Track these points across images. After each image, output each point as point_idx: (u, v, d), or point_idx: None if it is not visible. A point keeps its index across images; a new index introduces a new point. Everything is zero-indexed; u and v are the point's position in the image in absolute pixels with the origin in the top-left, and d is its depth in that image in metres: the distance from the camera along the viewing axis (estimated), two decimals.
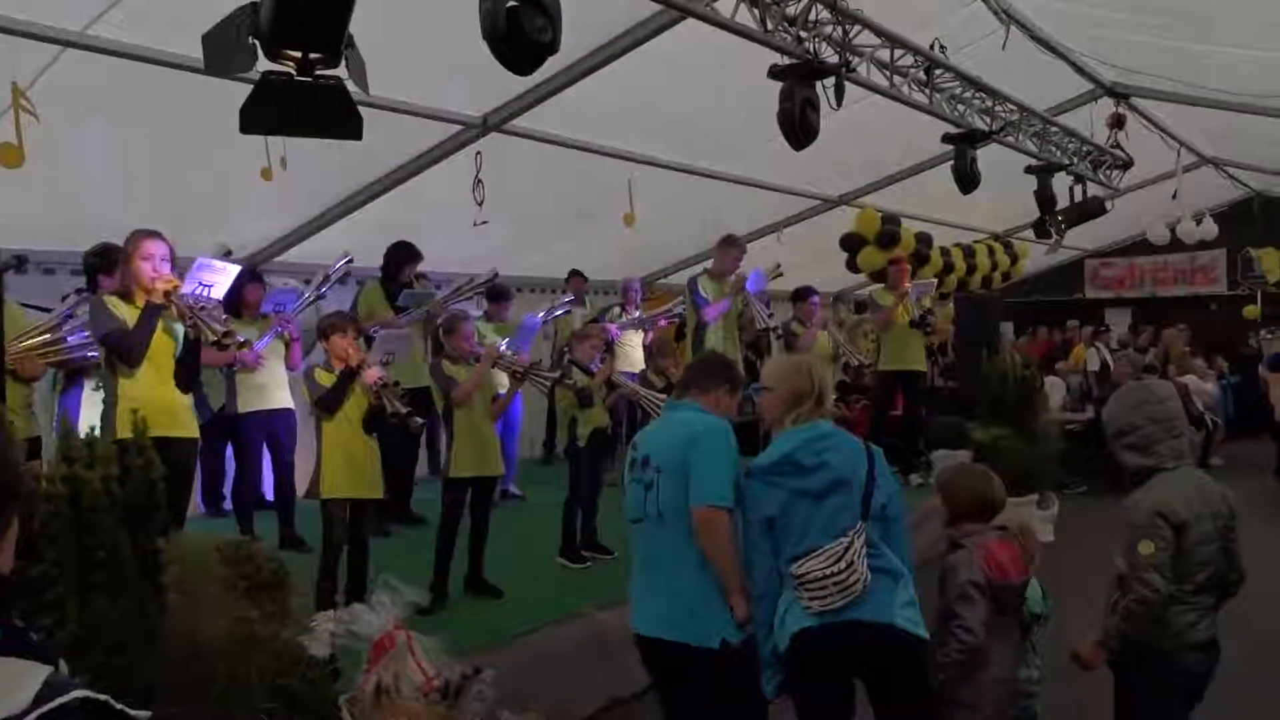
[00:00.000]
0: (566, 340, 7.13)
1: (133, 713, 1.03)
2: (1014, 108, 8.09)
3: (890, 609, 3.01)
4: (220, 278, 4.73)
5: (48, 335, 4.72)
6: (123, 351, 4.35)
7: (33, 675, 1.00)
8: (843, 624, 2.99)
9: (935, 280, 10.65)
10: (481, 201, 7.06)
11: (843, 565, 2.95)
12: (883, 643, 3.01)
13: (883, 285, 9.46)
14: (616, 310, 9.43)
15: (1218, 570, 3.30)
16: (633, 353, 9.07)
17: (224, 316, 4.63)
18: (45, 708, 0.97)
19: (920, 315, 8.97)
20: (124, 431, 3.75)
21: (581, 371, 6.35)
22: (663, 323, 9.51)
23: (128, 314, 4.39)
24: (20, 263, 4.23)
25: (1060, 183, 9.49)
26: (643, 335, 9.25)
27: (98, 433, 3.29)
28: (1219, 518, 3.33)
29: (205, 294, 4.61)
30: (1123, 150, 9.95)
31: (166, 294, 4.37)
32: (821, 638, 3.02)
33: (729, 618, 3.19)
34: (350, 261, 6.72)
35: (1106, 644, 3.33)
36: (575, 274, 9.60)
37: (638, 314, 9.27)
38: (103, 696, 1.01)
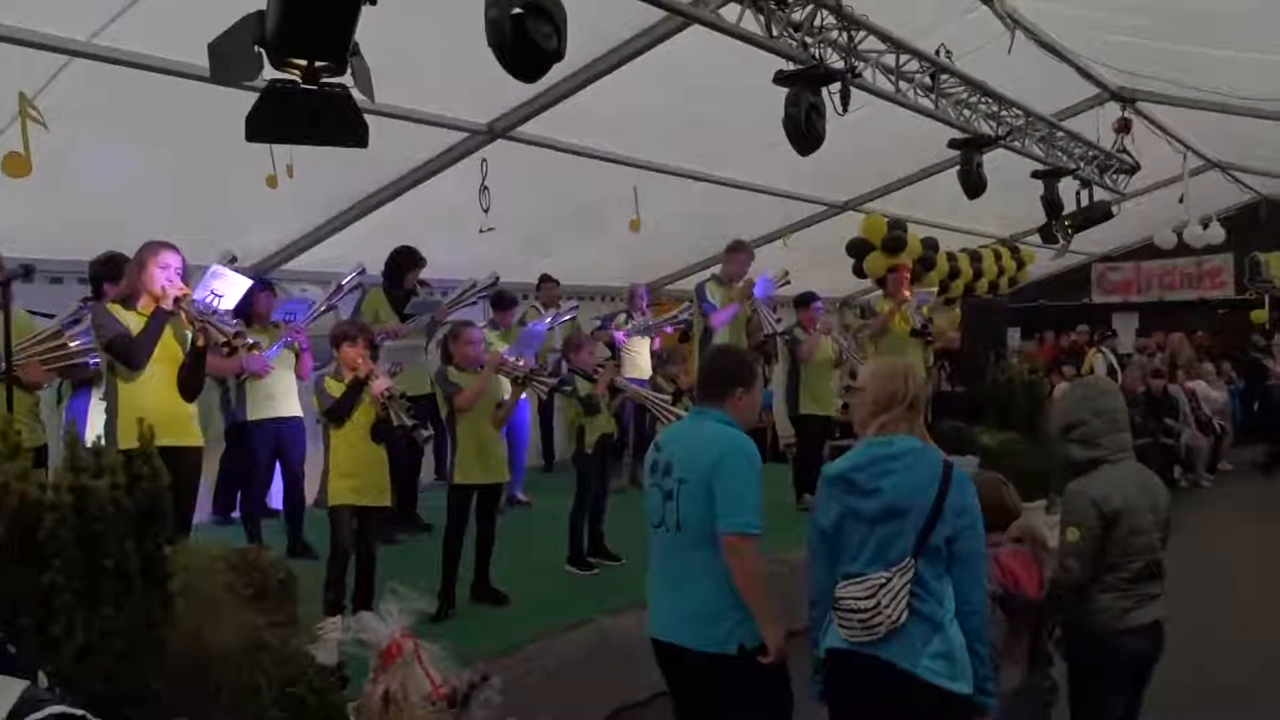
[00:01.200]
0: (561, 350, 7.10)
1: None
2: (1020, 112, 8.09)
3: (916, 656, 2.86)
4: (232, 289, 4.73)
5: (49, 342, 4.70)
6: (127, 356, 4.35)
7: (9, 691, 0.99)
8: (868, 658, 2.91)
9: (935, 289, 10.60)
10: (487, 208, 7.07)
11: (870, 604, 2.84)
12: (901, 688, 2.88)
13: (882, 293, 9.41)
14: (623, 317, 9.42)
15: (1154, 560, 3.47)
16: (639, 358, 9.05)
17: (235, 321, 4.62)
18: None
19: (921, 324, 8.90)
20: (128, 440, 3.73)
21: (584, 378, 6.34)
22: (668, 329, 9.48)
23: (132, 321, 4.40)
24: (27, 272, 4.25)
25: (1067, 187, 9.47)
26: (649, 342, 9.23)
27: (103, 441, 3.28)
28: (1157, 510, 3.52)
29: (215, 304, 4.61)
30: (1129, 154, 9.95)
31: (177, 301, 4.37)
32: (848, 664, 2.97)
33: (746, 623, 3.15)
34: (363, 273, 6.74)
35: None
36: (546, 279, 9.35)
37: (645, 320, 9.25)
38: (79, 711, 0.99)
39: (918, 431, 3.07)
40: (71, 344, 4.77)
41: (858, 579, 2.90)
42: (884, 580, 2.84)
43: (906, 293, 8.94)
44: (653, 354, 9.14)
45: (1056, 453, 3.82)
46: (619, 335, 9.02)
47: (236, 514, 6.97)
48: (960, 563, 2.92)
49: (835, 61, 5.73)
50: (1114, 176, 10.25)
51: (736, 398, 3.37)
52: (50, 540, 2.81)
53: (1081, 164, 9.50)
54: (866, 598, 2.85)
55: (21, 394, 4.48)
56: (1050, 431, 3.96)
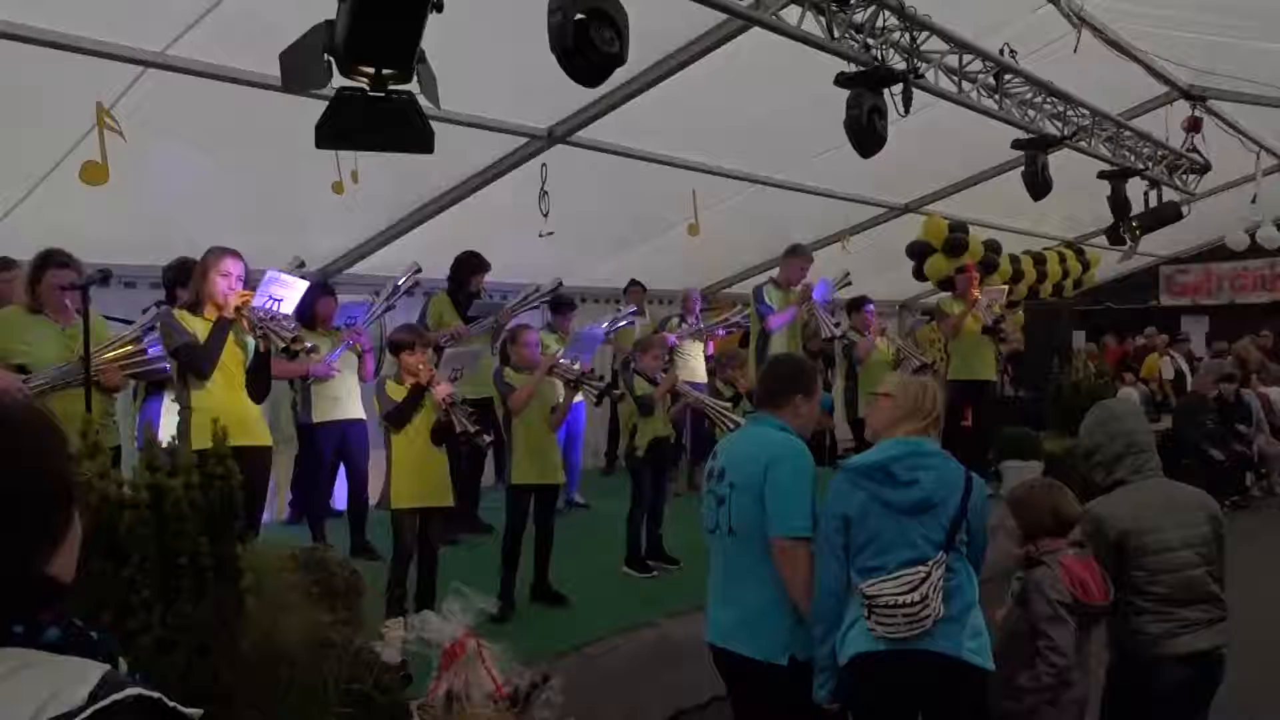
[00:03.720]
0: (630, 351, 7.15)
1: (185, 710, 1.05)
2: (1086, 112, 7.94)
3: (959, 640, 2.93)
4: (290, 293, 4.82)
5: (130, 347, 4.84)
6: (194, 365, 4.46)
7: (90, 673, 1.03)
8: (909, 652, 2.91)
9: (1005, 287, 10.46)
10: (547, 213, 7.12)
11: (916, 598, 2.87)
12: (948, 676, 2.93)
13: (950, 294, 9.32)
14: (675, 320, 9.42)
15: (1185, 580, 3.33)
16: (693, 362, 9.03)
17: (293, 325, 4.71)
18: (99, 704, 0.99)
19: (993, 321, 8.82)
20: (201, 441, 3.83)
21: (647, 381, 6.35)
22: (720, 333, 9.46)
23: (198, 327, 4.50)
24: (105, 277, 4.37)
25: (1135, 188, 9.28)
26: (703, 345, 9.22)
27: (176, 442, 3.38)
28: (1186, 526, 3.38)
29: (275, 308, 4.70)
30: (1200, 154, 9.70)
31: (237, 308, 4.48)
32: (884, 664, 2.95)
33: (798, 634, 3.15)
34: (419, 272, 6.82)
35: None
36: (634, 284, 9.53)
37: (697, 324, 9.23)
38: (155, 694, 1.03)
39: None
40: (150, 350, 4.90)
41: (892, 575, 2.92)
42: (924, 574, 2.90)
43: (976, 292, 8.87)
44: (707, 358, 9.14)
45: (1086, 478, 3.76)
46: (670, 337, 9.00)
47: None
48: (975, 552, 3.10)
49: (897, 63, 5.68)
50: (1183, 176, 10.00)
51: (795, 404, 3.39)
52: (129, 537, 2.90)
53: (1150, 164, 9.29)
54: (909, 591, 2.88)
55: (98, 396, 4.61)
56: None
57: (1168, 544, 3.34)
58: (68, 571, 1.13)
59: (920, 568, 2.91)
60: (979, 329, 8.79)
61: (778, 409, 3.40)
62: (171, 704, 1.04)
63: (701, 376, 8.79)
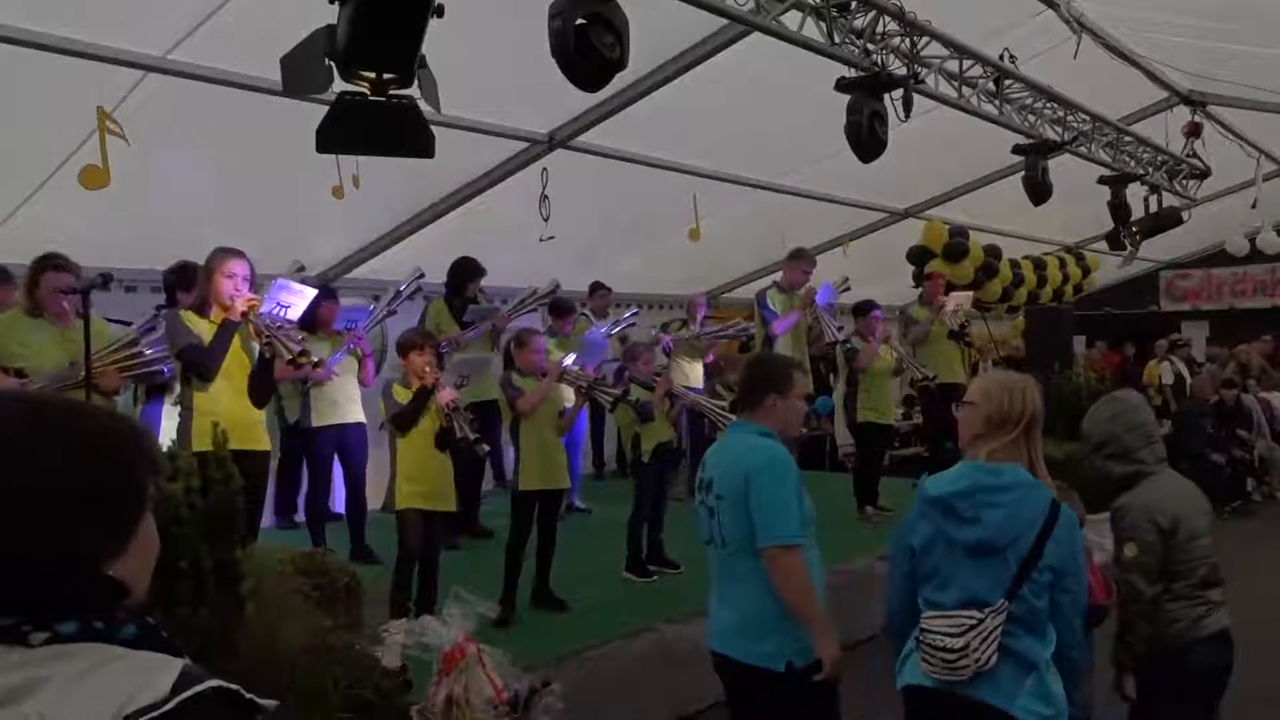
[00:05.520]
0: (622, 359, 7.12)
1: (261, 701, 1.09)
2: (1086, 117, 7.94)
3: (1012, 696, 2.67)
4: (298, 300, 4.82)
5: (129, 350, 4.83)
6: (199, 366, 4.45)
7: (170, 667, 1.07)
8: (958, 697, 2.73)
9: (971, 294, 10.45)
10: (547, 217, 7.12)
11: (958, 645, 2.66)
12: None
13: (918, 301, 9.39)
14: (677, 324, 9.40)
15: (1212, 563, 3.42)
16: (690, 371, 9.00)
17: (300, 336, 4.70)
18: (184, 695, 1.03)
19: (959, 326, 8.90)
20: (202, 444, 3.83)
21: (642, 387, 6.35)
22: (717, 343, 9.42)
23: (204, 329, 4.50)
24: (105, 280, 4.36)
25: (1135, 193, 9.29)
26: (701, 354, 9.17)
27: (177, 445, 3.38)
28: (1205, 513, 3.49)
29: (282, 315, 4.69)
30: (1199, 159, 9.71)
31: (244, 313, 4.47)
32: (932, 702, 2.82)
33: (796, 640, 3.13)
34: (421, 277, 6.82)
35: (1121, 662, 3.45)
36: (598, 286, 9.36)
37: (698, 331, 9.17)
38: (233, 686, 1.07)
39: (1031, 460, 2.85)
40: (147, 351, 4.89)
41: (947, 614, 2.74)
42: (975, 621, 2.67)
43: (943, 298, 8.93)
44: (705, 364, 9.12)
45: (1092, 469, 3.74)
46: (666, 340, 8.94)
47: (300, 517, 7.07)
48: (1058, 608, 2.75)
49: (897, 68, 5.68)
50: (1183, 182, 10.01)
51: (770, 403, 3.33)
52: None
53: (1150, 169, 9.29)
54: (954, 636, 2.67)
55: (98, 399, 4.60)
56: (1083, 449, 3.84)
57: (1201, 529, 3.42)
58: (133, 575, 1.16)
59: (975, 613, 2.68)
60: (945, 334, 8.85)
61: (755, 411, 3.36)
62: (248, 695, 1.08)
63: (697, 382, 8.75)
